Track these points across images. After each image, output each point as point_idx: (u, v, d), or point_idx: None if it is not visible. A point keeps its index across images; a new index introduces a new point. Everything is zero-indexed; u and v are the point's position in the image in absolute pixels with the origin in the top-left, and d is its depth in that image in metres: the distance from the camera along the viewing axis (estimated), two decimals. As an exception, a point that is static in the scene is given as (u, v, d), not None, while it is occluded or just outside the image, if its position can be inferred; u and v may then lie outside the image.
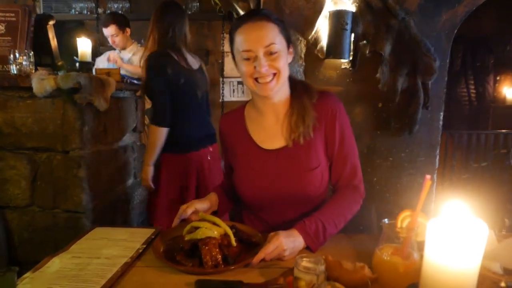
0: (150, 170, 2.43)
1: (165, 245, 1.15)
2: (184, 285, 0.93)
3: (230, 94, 4.05)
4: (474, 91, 4.25)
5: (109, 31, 3.51)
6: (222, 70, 3.95)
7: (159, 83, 2.29)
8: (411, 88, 2.74)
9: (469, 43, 4.55)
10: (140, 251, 1.08)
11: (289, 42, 1.33)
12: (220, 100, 3.97)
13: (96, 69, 2.51)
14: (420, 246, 0.89)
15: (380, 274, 0.89)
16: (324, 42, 2.73)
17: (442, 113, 2.85)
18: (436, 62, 2.68)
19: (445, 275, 0.61)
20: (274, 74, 1.25)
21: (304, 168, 1.29)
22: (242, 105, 1.51)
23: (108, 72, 2.48)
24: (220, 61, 3.96)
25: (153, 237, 1.18)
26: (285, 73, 1.29)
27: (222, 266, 1.01)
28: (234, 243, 1.10)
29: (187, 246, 1.08)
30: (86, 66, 2.40)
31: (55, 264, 0.99)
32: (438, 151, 2.92)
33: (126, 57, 3.62)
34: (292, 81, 1.40)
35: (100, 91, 2.14)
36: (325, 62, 2.83)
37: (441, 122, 2.88)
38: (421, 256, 0.87)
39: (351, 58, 2.78)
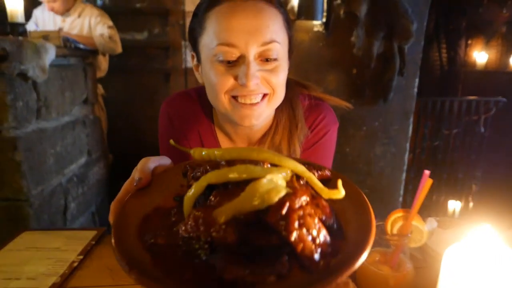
0: None
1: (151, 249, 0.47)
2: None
3: (194, 59, 3.73)
4: (446, 55, 4.17)
5: None
6: (183, 32, 3.59)
7: None
8: (387, 53, 2.57)
9: (443, 5, 4.41)
10: (75, 264, 0.87)
11: (291, 42, 0.90)
12: (183, 67, 3.64)
13: (30, 33, 2.13)
14: (414, 254, 0.75)
15: (366, 287, 0.74)
16: (295, 1, 2.47)
17: (417, 80, 2.73)
18: (414, 25, 2.51)
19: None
20: (265, 95, 0.84)
21: None
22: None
23: (45, 36, 2.12)
24: (181, 22, 3.59)
25: (93, 243, 0.97)
26: (280, 95, 0.87)
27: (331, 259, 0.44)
28: (339, 193, 0.51)
29: (232, 234, 0.44)
30: (18, 29, 2.03)
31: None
32: (411, 119, 2.83)
33: (69, 22, 2.85)
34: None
35: (34, 58, 1.81)
36: (296, 24, 2.59)
37: (416, 89, 2.76)
38: (414, 266, 0.73)
39: (324, 20, 2.56)
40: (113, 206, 0.59)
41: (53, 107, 2.11)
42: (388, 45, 2.57)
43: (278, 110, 0.96)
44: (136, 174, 0.60)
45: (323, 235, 0.45)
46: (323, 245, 0.44)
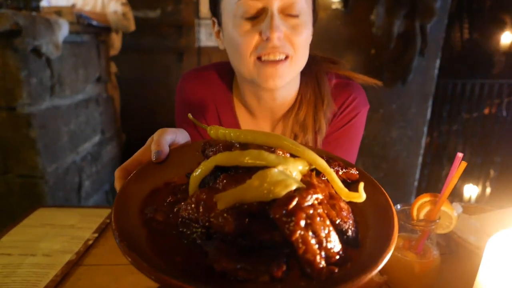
0: None
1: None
2: (144, 289, 0.73)
3: (207, 37, 3.65)
4: (468, 35, 4.00)
5: None
6: (197, 10, 3.51)
7: None
8: (408, 33, 2.46)
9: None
10: (90, 242, 0.86)
11: (315, 12, 0.87)
12: (196, 46, 3.58)
13: (43, 8, 2.09)
14: (437, 241, 0.72)
15: (390, 274, 0.71)
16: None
17: (438, 61, 2.62)
18: (437, 3, 2.40)
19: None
20: (287, 57, 0.81)
21: None
22: (226, 70, 0.98)
23: (58, 11, 2.08)
24: (194, 0, 3.51)
25: (107, 221, 0.96)
26: (303, 58, 0.85)
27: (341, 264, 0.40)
28: (359, 196, 0.47)
29: (231, 223, 0.41)
30: (31, 4, 2.00)
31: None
32: (430, 102, 2.73)
33: None
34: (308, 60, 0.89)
35: (48, 34, 1.78)
36: (314, 2, 2.49)
37: (436, 71, 2.66)
38: (439, 254, 0.70)
39: (343, -3, 2.46)
40: (118, 172, 0.56)
41: (66, 84, 2.09)
42: (410, 24, 2.46)
43: (303, 84, 0.93)
44: (153, 146, 0.56)
45: (332, 240, 0.40)
46: (330, 252, 0.39)
